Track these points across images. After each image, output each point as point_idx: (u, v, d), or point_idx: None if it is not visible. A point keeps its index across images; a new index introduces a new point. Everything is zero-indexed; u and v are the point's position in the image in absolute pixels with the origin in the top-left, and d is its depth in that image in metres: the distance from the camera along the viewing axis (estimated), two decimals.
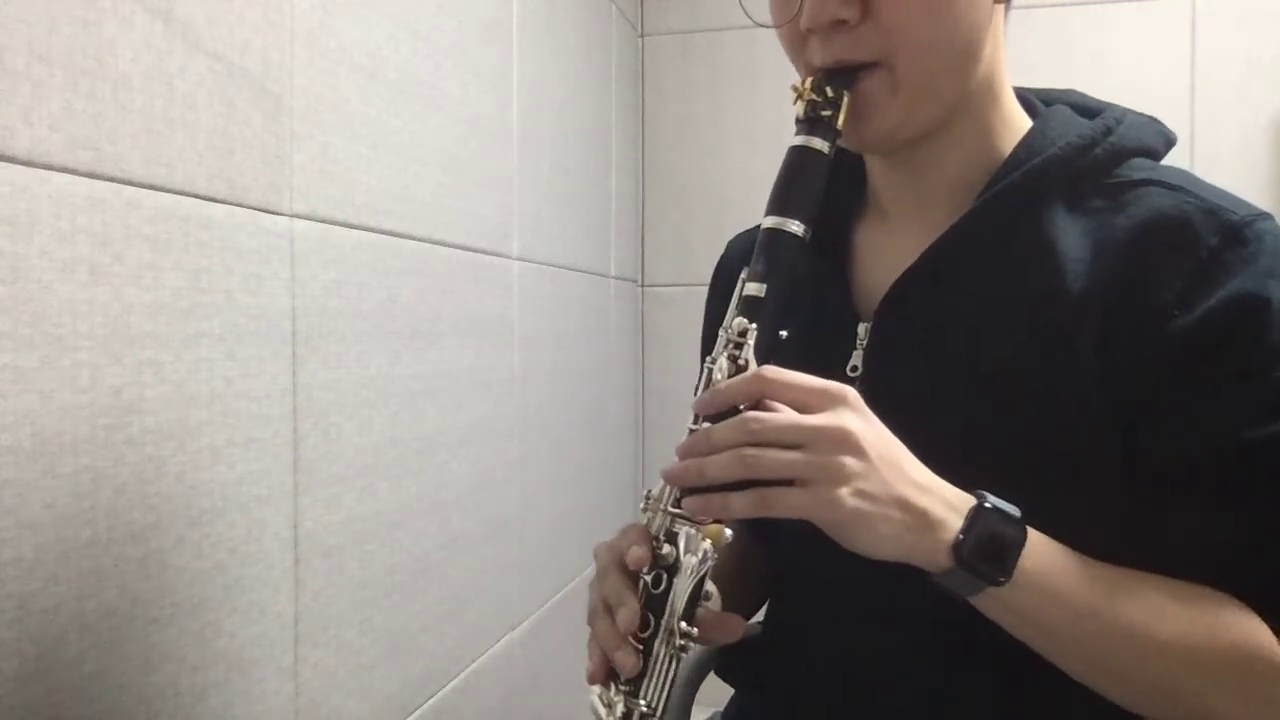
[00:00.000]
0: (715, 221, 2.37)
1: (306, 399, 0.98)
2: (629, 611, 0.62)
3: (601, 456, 2.05)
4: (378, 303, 1.12)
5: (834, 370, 0.73)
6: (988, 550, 0.59)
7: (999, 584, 0.59)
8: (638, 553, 0.63)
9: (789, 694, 0.80)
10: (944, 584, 0.60)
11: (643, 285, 2.44)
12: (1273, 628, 0.61)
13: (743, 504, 0.59)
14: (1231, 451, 0.62)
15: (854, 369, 0.73)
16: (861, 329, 0.74)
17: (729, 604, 0.71)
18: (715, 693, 0.95)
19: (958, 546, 0.59)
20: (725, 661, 0.94)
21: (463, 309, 1.34)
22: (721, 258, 0.94)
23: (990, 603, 0.61)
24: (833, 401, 0.59)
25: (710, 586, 0.64)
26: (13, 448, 0.66)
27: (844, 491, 0.57)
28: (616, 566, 0.65)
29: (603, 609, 0.65)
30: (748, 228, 0.89)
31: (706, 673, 1.00)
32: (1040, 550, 0.61)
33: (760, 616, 0.89)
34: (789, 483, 0.58)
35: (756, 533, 0.88)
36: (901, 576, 0.60)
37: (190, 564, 0.82)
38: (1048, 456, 0.66)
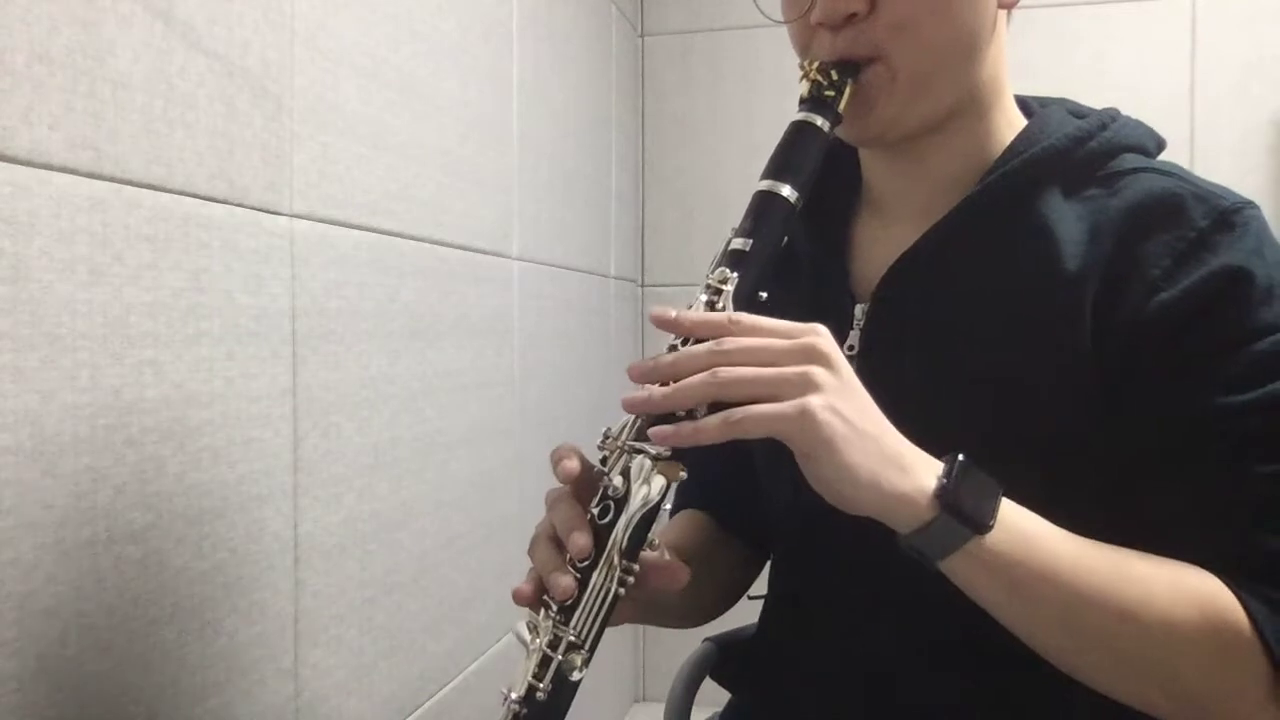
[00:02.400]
0: (715, 221, 2.37)
1: (306, 399, 0.98)
2: (582, 535, 0.60)
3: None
4: (378, 303, 1.12)
5: None
6: (973, 497, 0.58)
7: (987, 529, 0.58)
8: (568, 464, 0.63)
9: (787, 696, 0.80)
10: (915, 544, 0.58)
11: (643, 285, 2.44)
12: (1239, 595, 0.60)
13: (714, 427, 0.57)
14: (1204, 420, 0.63)
15: (851, 348, 0.74)
16: (859, 310, 0.75)
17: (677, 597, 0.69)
18: (715, 693, 0.95)
19: (942, 492, 0.57)
20: (721, 664, 0.94)
21: (462, 309, 1.34)
22: None
23: (964, 562, 0.59)
24: (804, 332, 0.59)
25: (655, 538, 0.62)
26: (13, 448, 0.66)
27: (816, 401, 0.55)
28: (569, 498, 0.64)
29: (545, 538, 0.64)
30: None
31: (706, 673, 1.00)
32: (1013, 509, 0.60)
33: (756, 618, 0.88)
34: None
35: (745, 526, 0.88)
36: (898, 567, 0.60)
37: (190, 564, 0.82)
38: (1042, 434, 0.67)
